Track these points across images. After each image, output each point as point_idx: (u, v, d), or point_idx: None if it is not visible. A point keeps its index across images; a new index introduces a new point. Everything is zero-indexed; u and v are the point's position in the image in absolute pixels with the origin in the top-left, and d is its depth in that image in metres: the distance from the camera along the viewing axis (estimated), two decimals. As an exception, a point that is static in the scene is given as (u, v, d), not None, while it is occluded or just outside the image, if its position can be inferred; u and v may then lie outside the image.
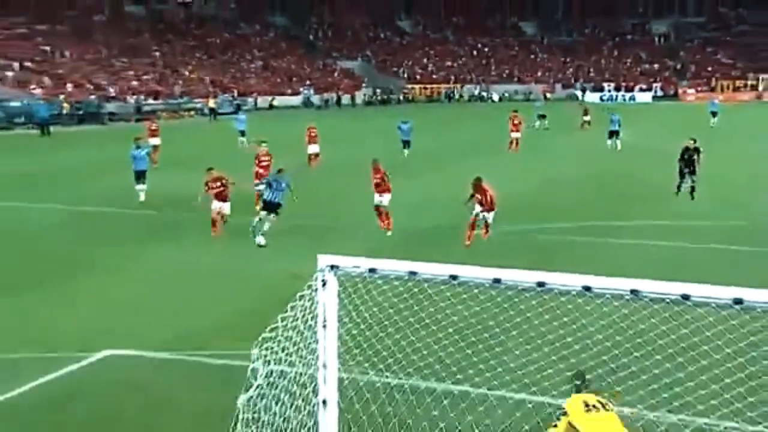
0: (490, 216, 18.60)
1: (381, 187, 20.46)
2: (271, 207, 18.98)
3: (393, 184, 20.63)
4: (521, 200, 24.71)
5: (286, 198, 19.43)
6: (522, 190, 26.92)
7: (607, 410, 7.00)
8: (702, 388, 7.71)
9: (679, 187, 25.15)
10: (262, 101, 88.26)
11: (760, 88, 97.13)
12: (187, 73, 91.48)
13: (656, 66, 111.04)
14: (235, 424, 6.04)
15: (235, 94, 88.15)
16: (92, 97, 72.13)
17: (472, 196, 18.60)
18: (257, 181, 23.53)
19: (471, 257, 14.78)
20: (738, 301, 5.48)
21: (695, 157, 25.13)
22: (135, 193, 25.60)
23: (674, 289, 5.64)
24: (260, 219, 18.91)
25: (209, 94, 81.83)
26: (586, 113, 53.41)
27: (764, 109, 74.59)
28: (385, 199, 20.39)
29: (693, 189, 24.78)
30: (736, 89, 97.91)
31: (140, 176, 26.01)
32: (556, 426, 7.03)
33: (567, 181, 29.79)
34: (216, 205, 20.09)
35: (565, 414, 7.07)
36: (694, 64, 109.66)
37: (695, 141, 25.77)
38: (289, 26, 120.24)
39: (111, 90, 77.31)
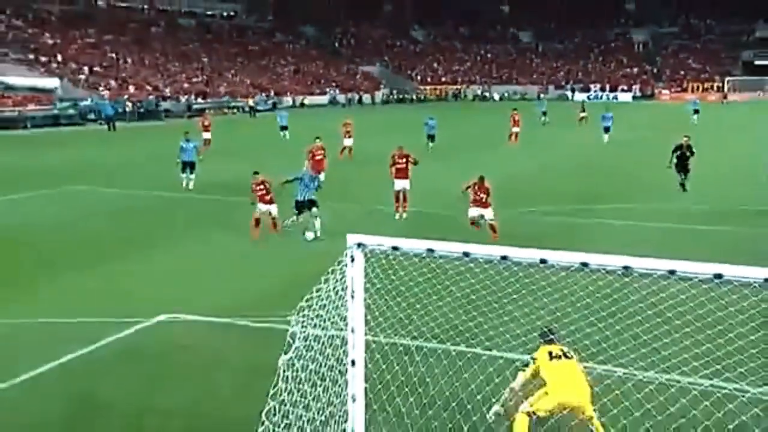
0: (488, 213, 16.46)
1: (403, 173, 19.62)
2: (302, 206, 17.17)
3: (415, 170, 19.93)
4: (525, 186, 24.58)
5: (315, 193, 17.63)
6: (525, 177, 26.75)
7: (568, 358, 7.02)
8: (686, 352, 7.52)
9: (682, 185, 23.01)
10: (296, 100, 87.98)
11: (725, 89, 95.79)
12: (230, 76, 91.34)
13: (636, 70, 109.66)
14: (277, 381, 5.89)
15: (272, 93, 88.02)
16: (151, 97, 72.22)
17: (470, 188, 16.72)
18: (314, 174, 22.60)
19: (481, 237, 14.60)
20: (718, 276, 5.33)
21: (688, 154, 23.10)
22: (182, 180, 25.05)
23: (662, 265, 5.47)
24: (293, 220, 17.25)
25: (249, 94, 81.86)
26: (583, 110, 52.81)
27: (730, 108, 73.52)
28: (407, 184, 19.61)
29: (683, 185, 23.02)
30: (704, 90, 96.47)
31: (187, 166, 25.28)
32: (524, 371, 7.25)
33: (565, 169, 29.54)
34: (263, 207, 17.54)
35: (534, 360, 7.22)
36: (669, 68, 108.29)
37: (689, 138, 23.73)
38: (318, 36, 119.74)
39: (166, 91, 77.33)
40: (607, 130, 40.76)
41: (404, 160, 19.83)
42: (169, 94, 76.12)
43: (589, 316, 8.15)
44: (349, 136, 34.46)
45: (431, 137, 37.49)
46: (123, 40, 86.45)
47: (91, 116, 61.43)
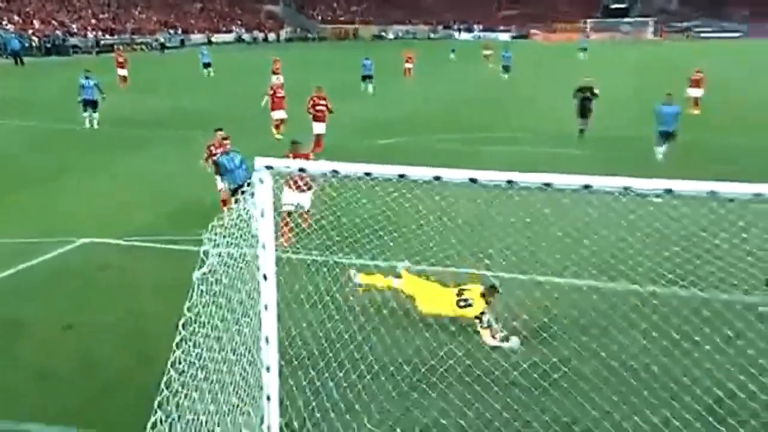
0: (305, 199, 10.45)
1: (322, 115, 17.97)
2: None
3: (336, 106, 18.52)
4: (421, 116, 24.56)
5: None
6: (421, 109, 26.74)
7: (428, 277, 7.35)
8: (558, 253, 7.79)
9: (581, 131, 20.38)
10: (202, 38, 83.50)
11: (588, 29, 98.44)
12: (137, 12, 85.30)
13: (514, 12, 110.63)
14: (193, 295, 5.65)
15: (179, 31, 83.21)
16: (57, 32, 66.66)
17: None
18: (274, 111, 20.74)
19: (381, 159, 14.45)
20: (587, 186, 5.41)
21: (591, 96, 20.27)
22: (84, 119, 22.57)
23: (539, 178, 5.49)
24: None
25: (157, 31, 77.07)
26: (487, 48, 52.60)
27: (593, 45, 75.28)
28: (323, 128, 18.00)
29: (582, 131, 20.37)
30: (570, 31, 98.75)
31: (88, 105, 22.55)
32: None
33: (461, 101, 29.58)
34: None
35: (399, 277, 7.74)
36: (541, 10, 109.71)
37: (591, 79, 20.93)
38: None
39: (73, 27, 71.47)
40: (506, 69, 40.20)
41: (324, 102, 18.28)
42: (75, 30, 70.44)
43: (478, 226, 8.29)
44: (277, 73, 32.83)
45: (367, 77, 33.45)
46: (25, -26, 78.59)
47: (-4, 51, 56.30)
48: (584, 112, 20.47)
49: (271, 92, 21.25)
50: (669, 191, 5.35)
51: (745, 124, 22.94)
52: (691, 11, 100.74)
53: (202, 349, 5.50)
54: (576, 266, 7.81)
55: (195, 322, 5.33)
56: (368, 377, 6.60)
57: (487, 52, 51.38)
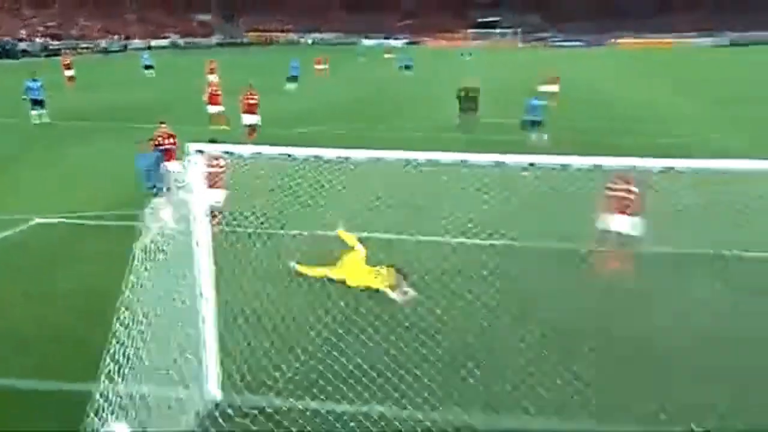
0: (219, 196, 8.29)
1: (254, 108, 17.40)
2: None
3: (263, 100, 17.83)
4: (337, 109, 24.23)
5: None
6: (337, 103, 26.42)
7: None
8: (450, 217, 7.80)
9: (463, 121, 19.75)
10: (143, 43, 78.40)
11: (467, 38, 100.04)
12: (81, 20, 78.97)
13: (409, 22, 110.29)
14: (135, 261, 5.32)
15: (122, 37, 77.88)
16: (7, 38, 60.74)
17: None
18: (211, 106, 19.75)
19: (302, 143, 14.07)
20: (464, 162, 5.43)
21: (476, 95, 19.97)
22: (32, 117, 20.66)
23: (448, 157, 5.48)
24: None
25: (100, 37, 71.83)
26: (389, 52, 52.67)
27: (474, 52, 76.53)
28: (255, 119, 17.45)
29: (467, 119, 19.79)
30: (455, 39, 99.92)
31: (37, 104, 20.71)
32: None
33: (370, 96, 29.20)
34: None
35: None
36: (430, 21, 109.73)
37: (474, 81, 20.76)
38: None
39: (22, 32, 65.35)
40: (407, 68, 41.53)
41: (255, 97, 17.72)
42: (24, 36, 64.45)
43: (391, 195, 8.27)
44: (213, 73, 31.14)
45: (294, 78, 31.45)
46: (-28, -16, 70.87)
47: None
48: (466, 108, 20.30)
49: (210, 89, 20.48)
50: (532, 164, 5.52)
51: (598, 113, 23.96)
52: (546, 24, 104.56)
53: (146, 308, 5.21)
54: (467, 230, 7.91)
55: (138, 285, 5.03)
56: (297, 333, 6.45)
57: (389, 56, 51.65)
